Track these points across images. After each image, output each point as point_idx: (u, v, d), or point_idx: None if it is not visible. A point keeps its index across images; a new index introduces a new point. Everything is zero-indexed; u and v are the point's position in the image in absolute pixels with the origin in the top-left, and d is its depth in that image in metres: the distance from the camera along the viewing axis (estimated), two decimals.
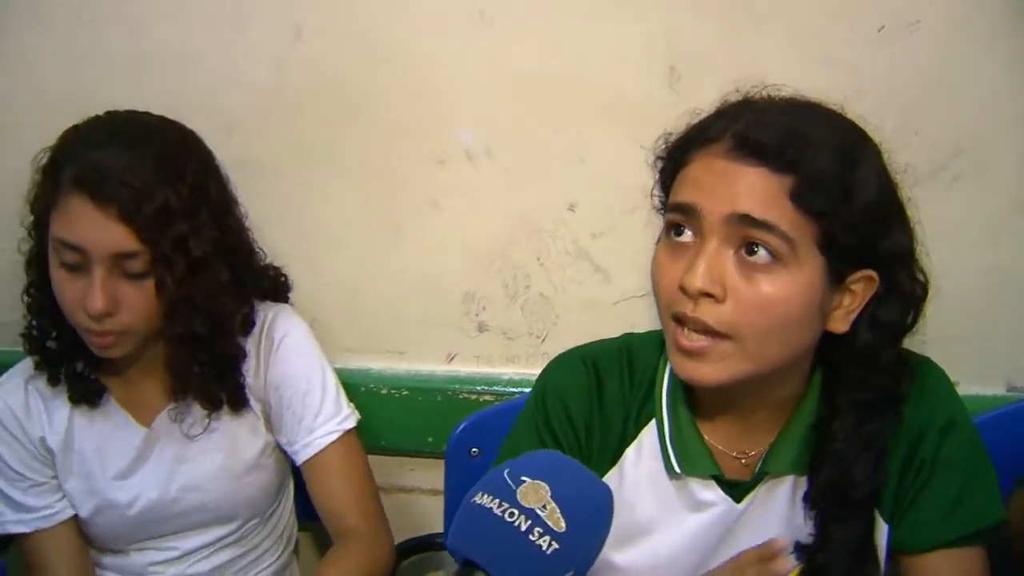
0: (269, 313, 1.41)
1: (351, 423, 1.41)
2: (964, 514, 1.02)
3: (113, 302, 1.20)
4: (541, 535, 0.75)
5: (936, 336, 1.08)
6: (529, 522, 0.75)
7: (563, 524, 0.76)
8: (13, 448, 1.34)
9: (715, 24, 1.38)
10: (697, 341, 0.95)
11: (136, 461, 1.37)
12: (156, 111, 1.32)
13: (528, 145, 1.50)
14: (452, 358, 1.63)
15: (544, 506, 0.76)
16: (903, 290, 0.98)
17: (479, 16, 1.45)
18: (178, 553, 1.40)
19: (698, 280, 0.93)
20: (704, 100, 1.05)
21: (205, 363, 1.31)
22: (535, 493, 0.77)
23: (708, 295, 0.93)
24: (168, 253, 1.19)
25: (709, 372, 0.96)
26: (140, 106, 1.31)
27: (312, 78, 1.54)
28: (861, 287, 0.97)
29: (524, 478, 0.78)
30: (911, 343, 1.05)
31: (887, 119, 1.32)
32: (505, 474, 0.79)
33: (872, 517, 1.02)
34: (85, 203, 1.17)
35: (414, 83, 1.51)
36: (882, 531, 1.04)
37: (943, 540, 1.02)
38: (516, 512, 0.76)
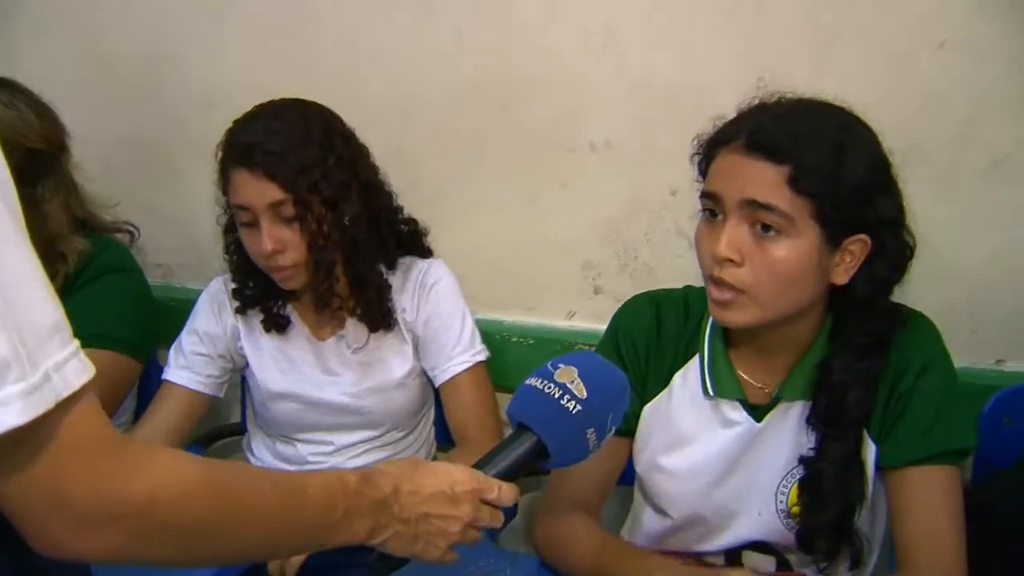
0: (425, 264, 1.74)
1: (482, 357, 1.73)
2: (937, 436, 1.25)
3: (278, 243, 1.53)
4: (569, 400, 1.06)
5: None
6: (560, 392, 1.06)
7: (585, 393, 1.06)
8: (208, 318, 1.75)
9: (797, 41, 1.65)
10: (724, 294, 1.24)
11: (312, 368, 1.73)
12: (357, 101, 1.70)
13: (640, 139, 1.80)
14: (572, 315, 1.94)
15: (572, 381, 1.07)
16: (889, 250, 1.23)
17: (605, 36, 1.77)
18: (332, 448, 1.73)
19: (723, 250, 1.21)
20: None
21: (348, 285, 1.65)
22: (567, 373, 1.08)
23: (730, 261, 1.22)
24: (305, 196, 1.52)
25: (734, 316, 1.25)
26: (343, 95, 1.69)
27: (472, 77, 1.89)
28: (857, 248, 1.22)
29: (560, 365, 1.10)
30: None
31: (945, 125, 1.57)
32: (549, 364, 1.11)
33: (860, 437, 1.27)
34: (242, 172, 1.53)
35: (554, 85, 1.84)
36: (870, 450, 1.28)
37: (918, 457, 1.25)
38: (552, 386, 1.07)
